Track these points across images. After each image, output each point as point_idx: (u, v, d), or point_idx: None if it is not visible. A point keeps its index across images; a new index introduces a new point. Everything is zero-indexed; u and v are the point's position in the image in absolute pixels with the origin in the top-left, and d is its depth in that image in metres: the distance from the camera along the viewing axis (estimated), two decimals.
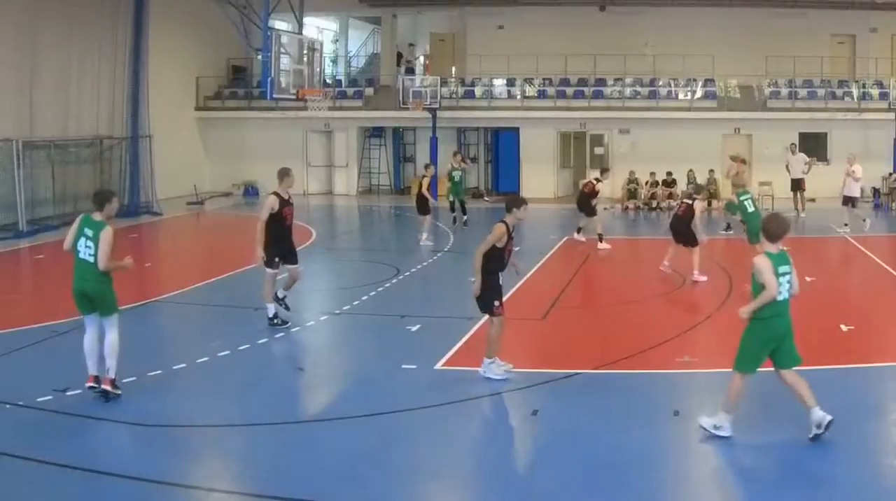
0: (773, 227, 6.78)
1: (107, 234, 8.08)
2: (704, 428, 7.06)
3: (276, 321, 10.84)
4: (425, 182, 18.63)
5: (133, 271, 15.92)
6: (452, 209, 20.69)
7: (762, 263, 6.69)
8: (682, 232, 13.85)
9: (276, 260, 10.74)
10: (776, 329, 6.80)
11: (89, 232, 8.15)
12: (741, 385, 6.94)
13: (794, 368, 6.97)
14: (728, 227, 19.16)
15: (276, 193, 10.68)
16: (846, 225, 19.39)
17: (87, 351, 8.06)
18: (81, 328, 8.29)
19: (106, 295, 8.09)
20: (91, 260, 8.05)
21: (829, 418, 6.80)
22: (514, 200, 8.74)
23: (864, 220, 19.42)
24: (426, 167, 20.48)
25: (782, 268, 6.71)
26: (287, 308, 11.10)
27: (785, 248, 6.93)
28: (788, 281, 6.76)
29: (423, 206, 18.10)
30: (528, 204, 8.88)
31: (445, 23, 31.16)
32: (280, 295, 11.05)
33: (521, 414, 7.99)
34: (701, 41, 26.80)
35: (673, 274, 13.86)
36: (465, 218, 20.36)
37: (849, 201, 19.77)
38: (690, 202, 13.90)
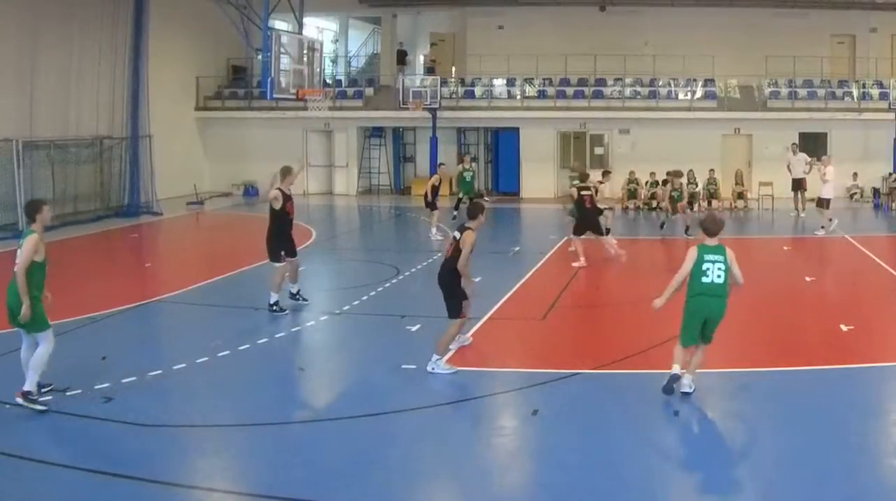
0: (710, 226, 8.07)
1: (29, 242, 7.60)
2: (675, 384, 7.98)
3: (275, 308, 11.47)
4: (435, 180, 19.49)
5: (133, 271, 16.16)
6: (457, 207, 21.30)
7: (689, 252, 8.08)
8: (593, 221, 15.22)
9: (282, 253, 11.54)
10: (698, 305, 7.97)
11: (21, 241, 7.75)
12: (682, 353, 8.12)
13: (703, 345, 8.17)
14: (687, 229, 19.35)
15: (279, 189, 11.51)
16: (823, 227, 19.17)
17: (22, 362, 7.88)
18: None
19: (35, 316, 7.64)
20: (15, 270, 7.62)
21: (688, 390, 8.03)
22: (477, 206, 9.26)
23: (831, 220, 19.16)
24: (440, 166, 21.55)
25: (710, 257, 7.92)
26: (304, 299, 11.96)
27: (716, 243, 8.02)
28: (720, 269, 7.90)
29: (432, 202, 19.13)
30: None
31: (445, 23, 31.15)
32: (293, 290, 11.88)
33: (521, 414, 7.99)
34: (701, 41, 26.81)
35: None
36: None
37: (823, 202, 19.30)
38: (590, 193, 15.18)
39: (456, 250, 8.82)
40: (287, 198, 11.48)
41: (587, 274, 14.69)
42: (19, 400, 7.64)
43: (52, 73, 21.75)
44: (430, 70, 29.87)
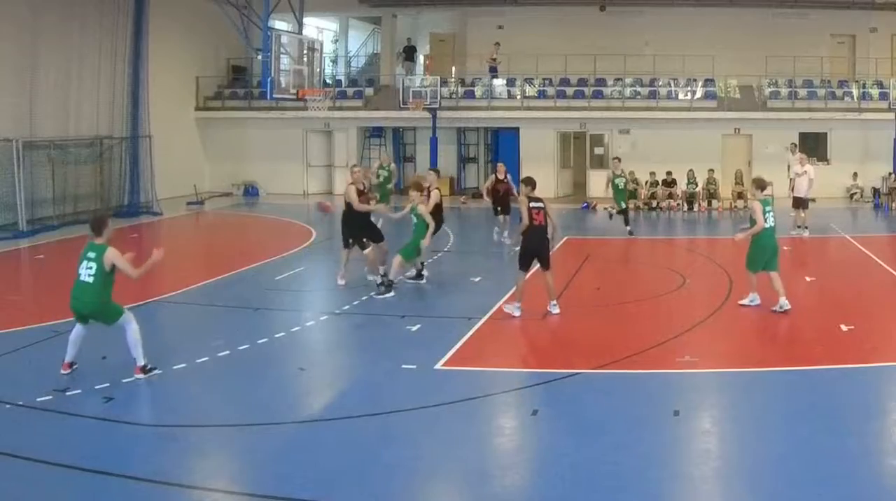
0: (760, 182, 10.30)
1: (112, 253, 8.73)
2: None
3: (381, 289, 12.64)
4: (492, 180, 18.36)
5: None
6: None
7: (756, 205, 11.32)
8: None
9: (350, 241, 13.13)
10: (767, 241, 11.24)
11: (91, 254, 8.72)
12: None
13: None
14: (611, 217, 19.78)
15: (352, 183, 13.08)
16: (800, 226, 19.01)
17: (71, 340, 8.80)
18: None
19: (104, 311, 8.72)
20: (90, 281, 8.60)
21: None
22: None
23: (801, 228, 18.98)
24: (499, 164, 19.13)
25: (768, 208, 10.33)
26: (388, 284, 12.77)
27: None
28: (773, 217, 10.50)
29: (503, 204, 18.02)
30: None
31: (445, 23, 31.15)
32: (381, 273, 12.94)
33: (521, 413, 7.99)
34: (701, 41, 26.82)
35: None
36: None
37: (800, 203, 19.05)
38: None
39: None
40: (361, 193, 13.05)
41: (587, 275, 14.68)
42: (139, 375, 8.71)
43: (52, 73, 21.75)
44: (493, 69, 28.49)
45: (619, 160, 20.23)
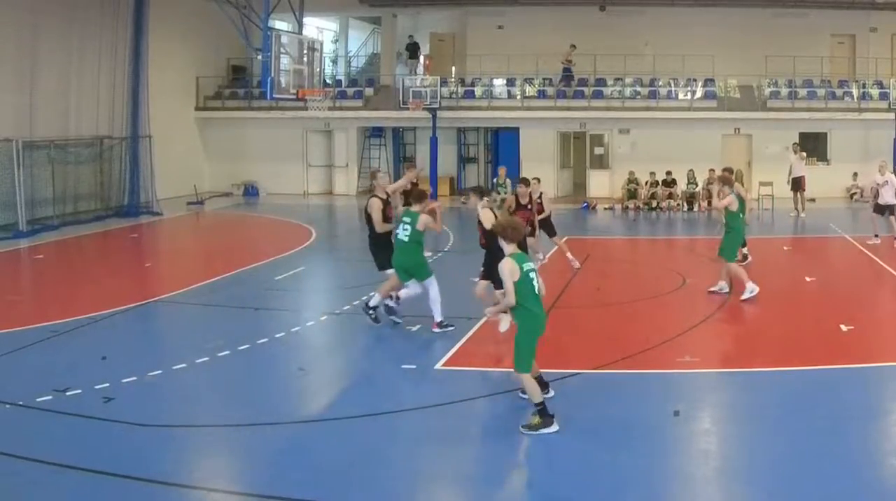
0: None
1: (424, 219, 10.29)
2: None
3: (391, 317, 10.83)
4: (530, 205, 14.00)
5: (133, 271, 16.15)
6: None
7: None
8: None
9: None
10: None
11: (407, 219, 10.32)
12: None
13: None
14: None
15: (375, 195, 11.01)
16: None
17: (402, 297, 10.62)
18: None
19: (418, 265, 10.37)
20: (406, 239, 10.25)
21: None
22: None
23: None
24: (524, 183, 14.10)
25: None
26: (389, 312, 10.87)
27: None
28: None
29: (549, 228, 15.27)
30: None
31: (445, 23, 31.15)
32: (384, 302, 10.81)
33: (521, 414, 7.98)
34: (701, 41, 26.80)
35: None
36: None
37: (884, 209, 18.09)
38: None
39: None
40: (385, 203, 10.97)
41: (587, 275, 14.68)
42: (435, 330, 10.32)
43: (52, 73, 21.74)
44: (566, 70, 27.80)
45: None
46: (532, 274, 7.19)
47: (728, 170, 15.16)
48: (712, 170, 24.92)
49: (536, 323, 7.24)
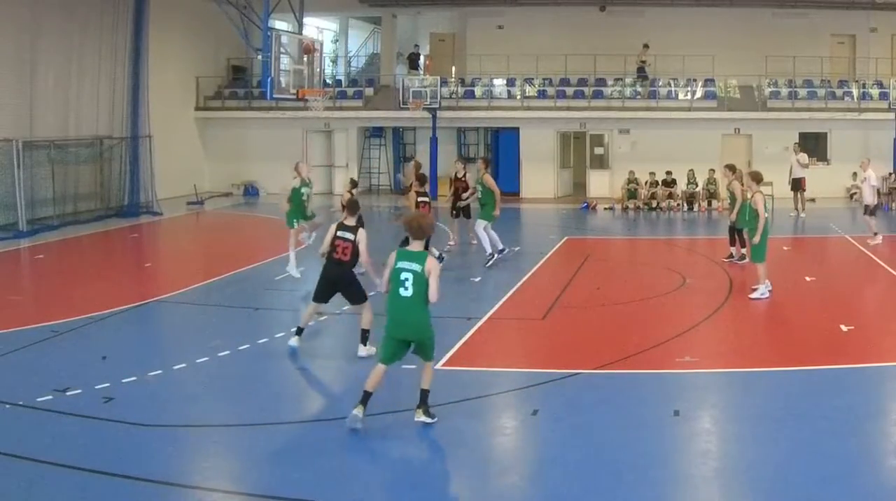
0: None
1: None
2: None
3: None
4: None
5: (133, 271, 16.16)
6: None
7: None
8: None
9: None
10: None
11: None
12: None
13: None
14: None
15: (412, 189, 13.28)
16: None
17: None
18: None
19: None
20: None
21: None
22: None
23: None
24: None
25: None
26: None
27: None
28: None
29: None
30: None
31: (445, 23, 31.16)
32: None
33: (521, 414, 7.99)
34: (701, 41, 26.82)
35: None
36: None
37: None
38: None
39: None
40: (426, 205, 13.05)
41: (587, 275, 14.69)
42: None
43: (52, 73, 21.74)
44: (641, 70, 27.77)
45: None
46: (404, 275, 7.41)
47: (730, 167, 15.31)
48: (712, 170, 24.98)
49: (388, 319, 7.63)
